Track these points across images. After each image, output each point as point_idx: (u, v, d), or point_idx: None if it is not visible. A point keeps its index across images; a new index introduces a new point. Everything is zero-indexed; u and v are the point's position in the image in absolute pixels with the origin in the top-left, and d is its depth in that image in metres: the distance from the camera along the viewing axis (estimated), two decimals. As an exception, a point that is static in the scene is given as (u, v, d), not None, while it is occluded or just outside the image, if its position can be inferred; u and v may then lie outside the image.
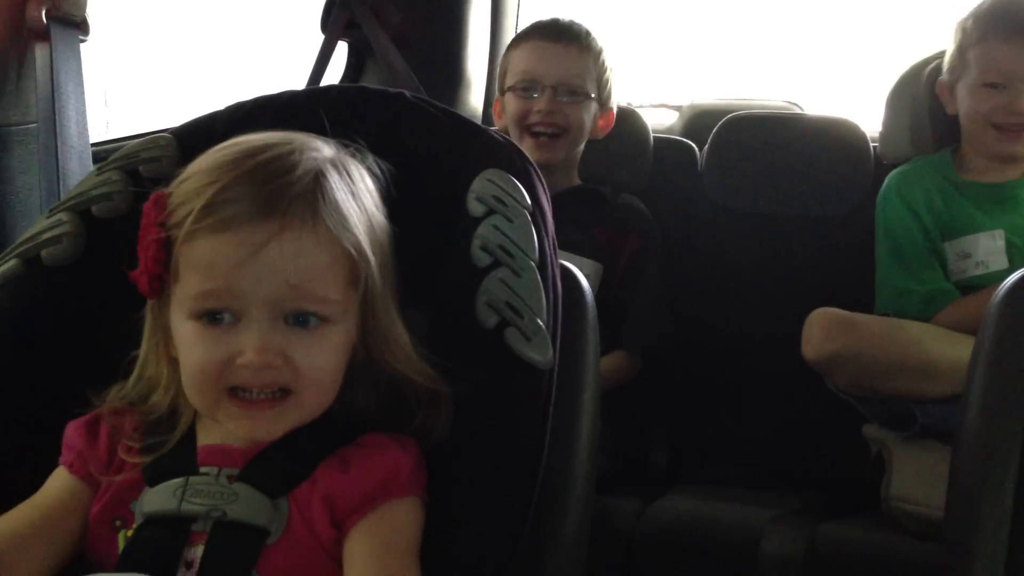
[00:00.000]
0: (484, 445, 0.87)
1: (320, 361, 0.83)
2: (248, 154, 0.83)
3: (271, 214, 0.80)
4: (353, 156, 0.90)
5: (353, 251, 0.83)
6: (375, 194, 0.89)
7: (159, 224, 0.83)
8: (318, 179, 0.83)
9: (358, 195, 0.86)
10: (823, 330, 1.53)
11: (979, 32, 1.60)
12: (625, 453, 1.74)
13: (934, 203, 1.64)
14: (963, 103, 1.63)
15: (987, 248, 1.61)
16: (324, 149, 0.87)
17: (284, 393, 0.82)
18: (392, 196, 0.91)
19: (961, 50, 1.63)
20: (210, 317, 0.81)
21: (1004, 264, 1.60)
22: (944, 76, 1.67)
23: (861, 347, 1.51)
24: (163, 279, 0.83)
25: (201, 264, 0.81)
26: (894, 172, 1.72)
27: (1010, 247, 1.61)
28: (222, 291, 0.81)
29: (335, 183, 0.84)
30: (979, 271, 1.61)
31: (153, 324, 0.87)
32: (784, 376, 1.75)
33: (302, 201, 0.81)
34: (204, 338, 0.81)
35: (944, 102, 1.68)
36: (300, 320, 0.82)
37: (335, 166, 0.86)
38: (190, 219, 0.80)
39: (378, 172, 0.91)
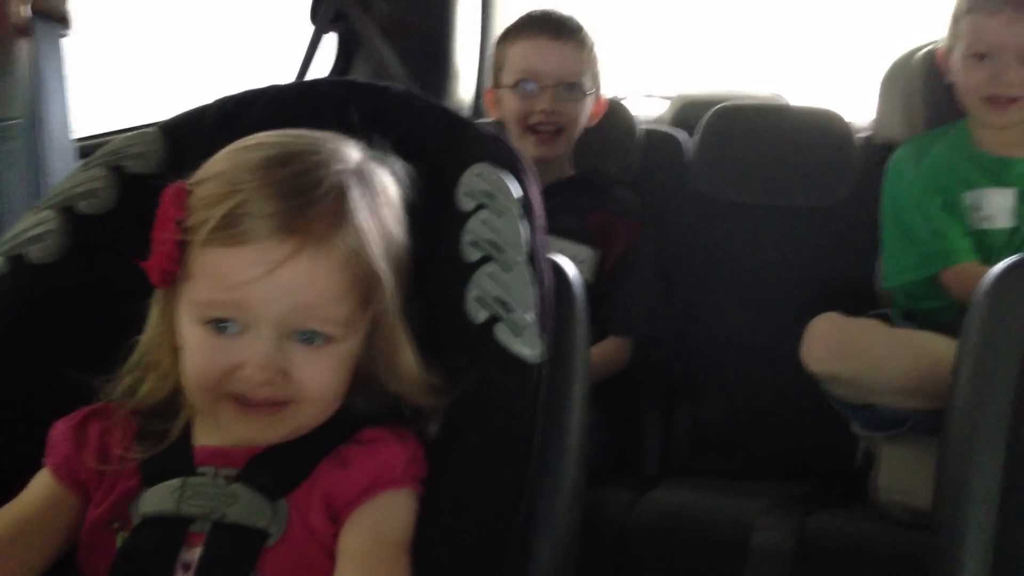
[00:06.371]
0: (475, 439, 0.87)
1: (322, 378, 0.82)
2: (274, 163, 0.82)
3: (291, 233, 0.79)
4: (377, 159, 0.89)
5: (369, 273, 0.83)
6: (396, 206, 0.88)
7: (177, 223, 0.81)
8: (340, 198, 0.82)
9: (378, 211, 0.85)
10: (827, 347, 1.48)
11: (968, 3, 1.60)
12: (617, 445, 1.75)
13: (951, 160, 1.64)
14: (956, 74, 1.64)
15: (996, 204, 1.61)
16: (351, 159, 0.86)
17: (284, 402, 0.82)
18: (415, 202, 0.91)
19: (955, 19, 1.63)
20: (216, 325, 0.81)
21: (1010, 223, 1.61)
22: (942, 44, 1.67)
23: (867, 371, 1.47)
24: (175, 275, 0.83)
25: (214, 274, 0.80)
26: (906, 141, 1.72)
27: (1020, 207, 1.61)
28: (231, 304, 0.80)
29: (357, 201, 0.83)
30: (986, 225, 1.62)
31: (160, 313, 0.86)
32: (774, 366, 1.76)
33: (322, 222, 0.80)
34: (208, 345, 0.81)
35: (943, 70, 1.68)
36: (305, 338, 0.82)
37: (360, 179, 0.85)
38: (208, 227, 0.80)
39: (402, 176, 0.90)
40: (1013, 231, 1.61)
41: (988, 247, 1.60)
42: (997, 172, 1.63)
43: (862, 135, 1.90)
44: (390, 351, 0.86)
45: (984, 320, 1.06)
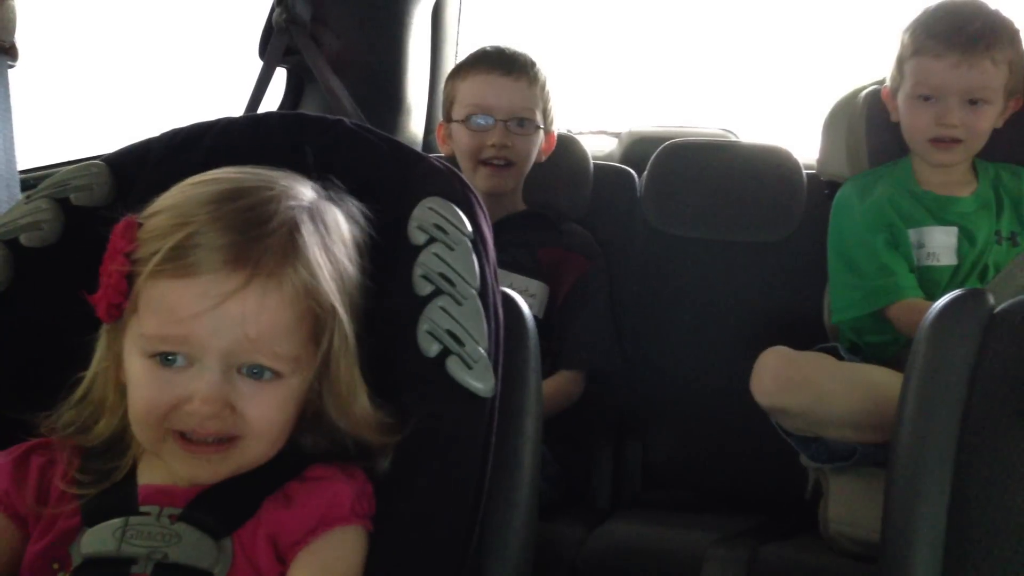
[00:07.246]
0: (426, 474, 0.86)
1: (269, 414, 0.82)
2: (226, 197, 0.82)
3: (240, 266, 0.79)
4: (331, 199, 0.89)
5: (319, 309, 0.82)
6: (350, 245, 0.88)
7: (125, 255, 0.81)
8: (292, 233, 0.82)
9: (331, 248, 0.85)
10: (775, 380, 1.50)
11: (914, 46, 1.63)
12: (568, 479, 1.74)
13: (894, 197, 1.67)
14: (901, 113, 1.67)
15: (939, 242, 1.64)
16: (304, 196, 0.86)
17: (230, 439, 0.81)
18: (375, 241, 0.90)
19: (900, 61, 1.66)
20: (162, 358, 0.80)
21: (953, 261, 1.64)
22: (887, 83, 1.70)
23: (815, 404, 1.49)
24: (122, 308, 0.82)
25: (161, 307, 0.79)
26: (851, 178, 1.74)
27: (962, 245, 1.64)
28: (178, 338, 0.79)
29: (309, 237, 0.83)
30: (930, 262, 1.64)
31: (106, 348, 0.85)
32: (724, 399, 1.77)
33: (273, 255, 0.80)
34: (154, 378, 0.80)
35: (889, 109, 1.70)
36: (253, 372, 0.81)
37: (312, 217, 0.85)
38: (156, 258, 0.79)
39: (357, 216, 0.90)
40: (956, 268, 1.65)
41: (933, 283, 1.63)
42: (939, 211, 1.67)
43: (811, 171, 1.94)
44: (343, 391, 0.85)
45: (928, 354, 1.08)
